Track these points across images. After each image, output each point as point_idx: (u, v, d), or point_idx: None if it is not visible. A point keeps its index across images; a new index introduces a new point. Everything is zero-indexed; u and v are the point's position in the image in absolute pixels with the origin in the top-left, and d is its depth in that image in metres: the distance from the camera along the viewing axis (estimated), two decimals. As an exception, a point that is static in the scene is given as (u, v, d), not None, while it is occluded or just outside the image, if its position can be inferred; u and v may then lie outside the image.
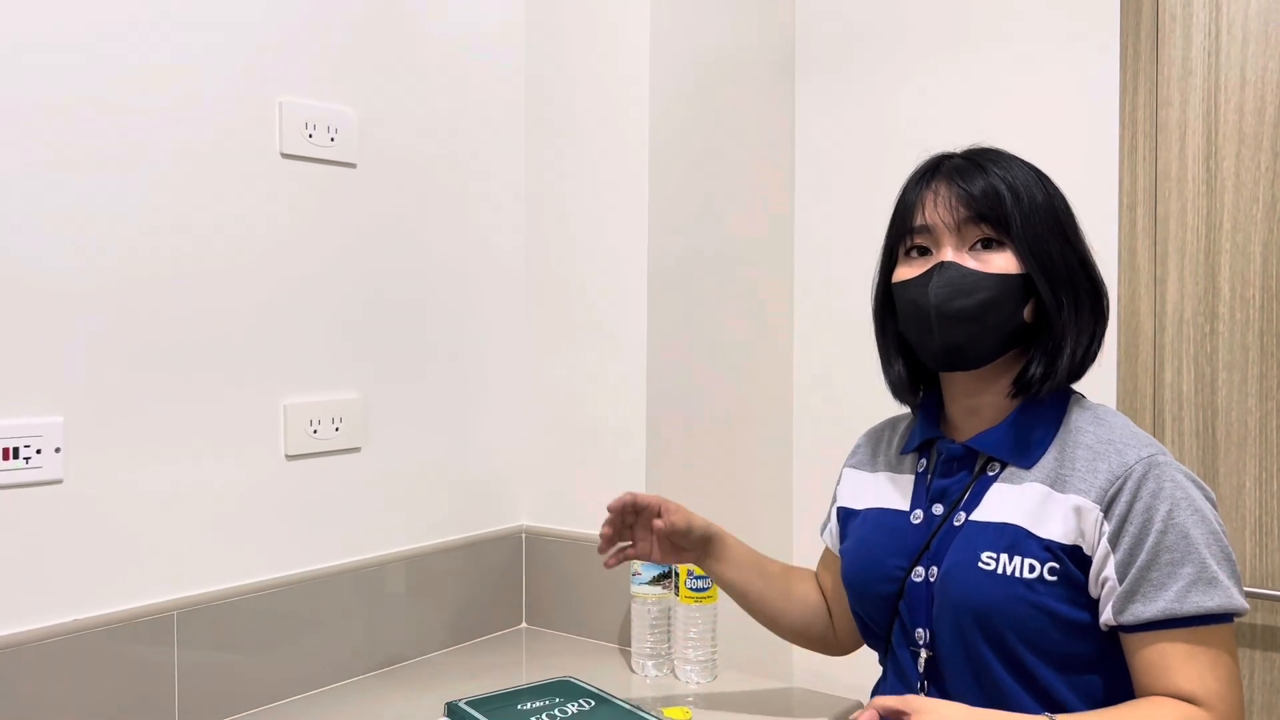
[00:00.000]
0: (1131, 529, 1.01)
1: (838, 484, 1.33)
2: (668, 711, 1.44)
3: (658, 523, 1.31)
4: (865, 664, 1.36)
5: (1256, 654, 1.67)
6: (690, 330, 1.86)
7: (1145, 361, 1.74)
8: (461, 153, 1.79)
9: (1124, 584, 1.01)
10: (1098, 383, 1.73)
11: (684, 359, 1.85)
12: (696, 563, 1.38)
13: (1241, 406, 1.67)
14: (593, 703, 1.44)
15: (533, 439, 1.91)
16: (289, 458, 1.54)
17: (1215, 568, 1.00)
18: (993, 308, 1.07)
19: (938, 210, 1.09)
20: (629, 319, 1.78)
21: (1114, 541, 1.02)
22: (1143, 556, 1.00)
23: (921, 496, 1.17)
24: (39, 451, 1.27)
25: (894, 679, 1.18)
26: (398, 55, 1.68)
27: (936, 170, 1.12)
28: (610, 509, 1.32)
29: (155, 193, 1.38)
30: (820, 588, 1.39)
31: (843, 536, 1.28)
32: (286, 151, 1.52)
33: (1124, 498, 1.02)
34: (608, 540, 1.33)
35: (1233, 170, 1.67)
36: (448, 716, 1.43)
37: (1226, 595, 1.00)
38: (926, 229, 1.10)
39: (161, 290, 1.39)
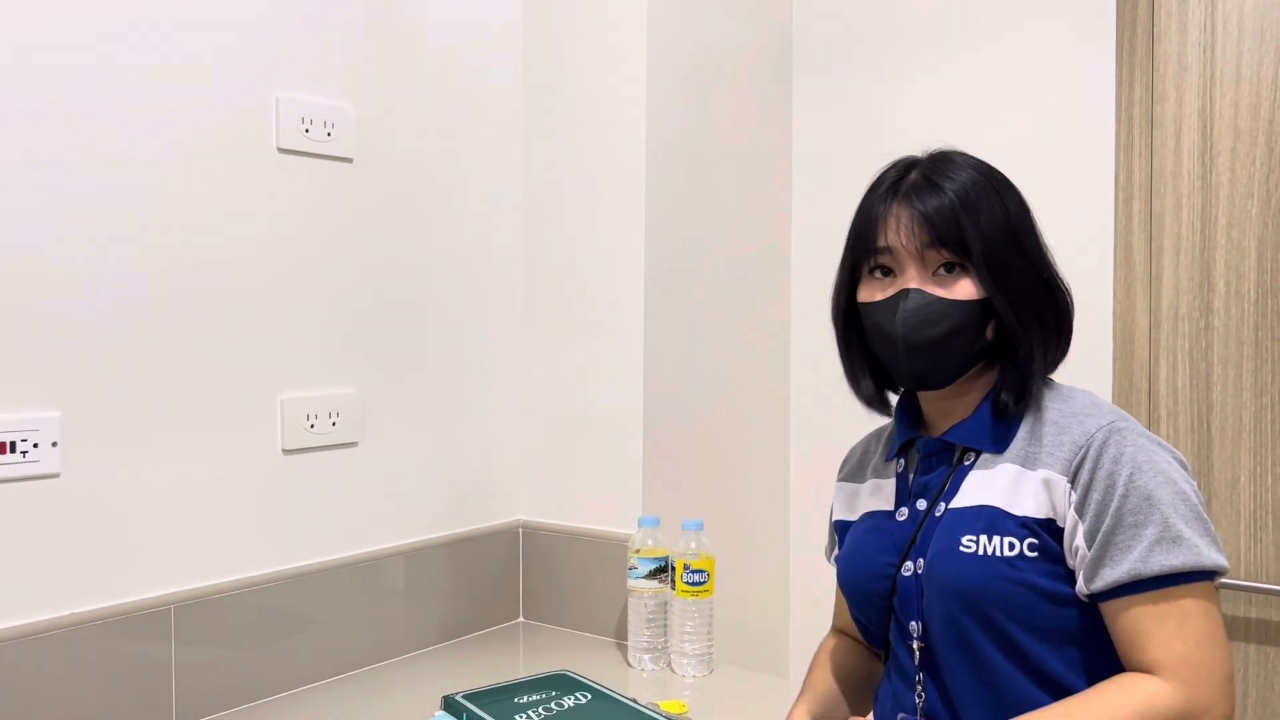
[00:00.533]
0: (1095, 495, 1.03)
1: (833, 501, 1.34)
2: (664, 704, 1.44)
3: None
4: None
5: (1251, 648, 1.68)
6: (687, 327, 1.87)
7: (1140, 356, 1.75)
8: (459, 149, 1.79)
9: (1092, 550, 1.02)
10: (1094, 378, 1.74)
11: (681, 355, 1.85)
12: None
13: (1236, 401, 1.67)
14: (589, 696, 1.44)
15: (530, 434, 1.92)
16: (286, 452, 1.54)
17: (1180, 526, 1.00)
18: (958, 334, 1.09)
19: (900, 235, 1.11)
20: (626, 315, 1.78)
21: (1080, 510, 1.03)
22: (1107, 521, 1.01)
23: (904, 494, 1.18)
24: (36, 445, 1.28)
25: (895, 677, 1.19)
26: (395, 52, 1.68)
27: (897, 189, 1.13)
28: None
29: (153, 188, 1.38)
30: (843, 628, 1.36)
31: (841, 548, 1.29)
32: (283, 146, 1.52)
33: (1087, 465, 1.04)
34: None
35: (1228, 166, 1.68)
36: (445, 709, 1.44)
37: (1193, 552, 0.99)
38: (889, 251, 1.12)
39: (159, 285, 1.39)
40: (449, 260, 1.78)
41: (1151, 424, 1.74)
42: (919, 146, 1.20)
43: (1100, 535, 1.01)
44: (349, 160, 1.61)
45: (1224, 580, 1.34)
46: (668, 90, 1.81)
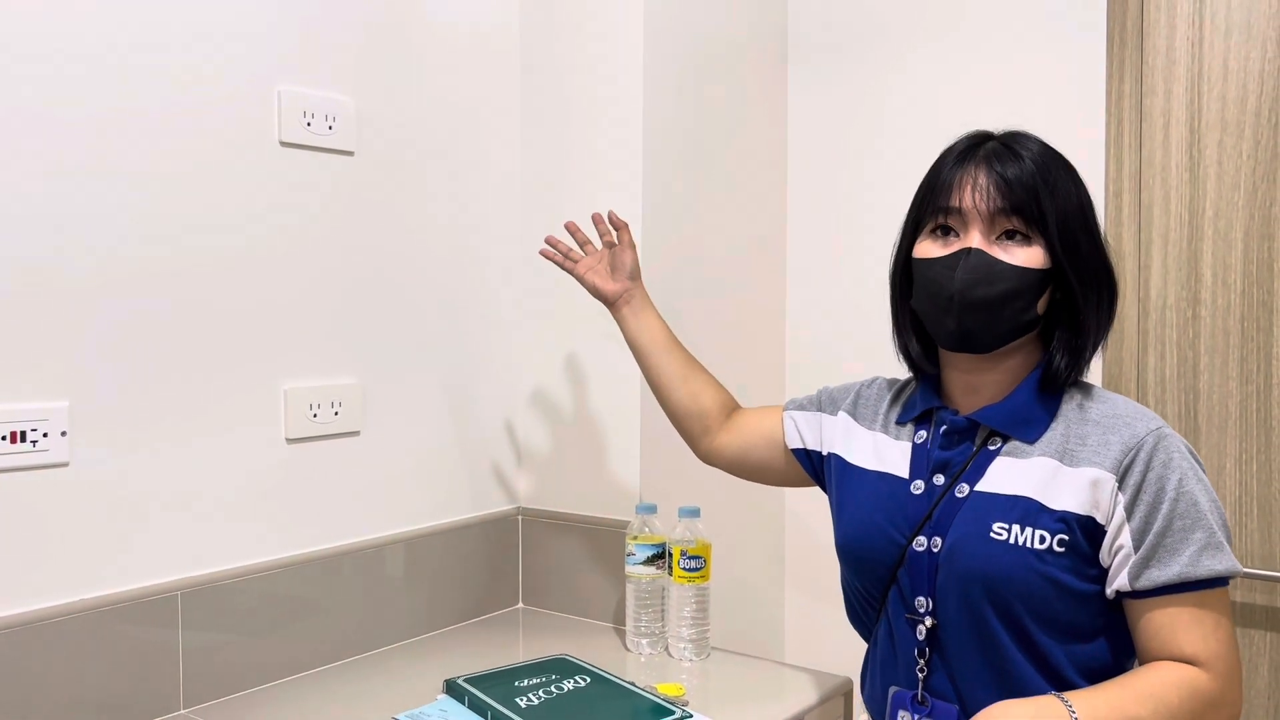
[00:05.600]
0: (1146, 497, 1.06)
1: (827, 410, 1.35)
2: (662, 687, 1.47)
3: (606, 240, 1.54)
4: (855, 641, 1.39)
5: (1236, 630, 1.71)
6: (683, 314, 1.89)
7: (1130, 346, 1.78)
8: (458, 140, 1.81)
9: (1140, 550, 1.06)
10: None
11: (677, 344, 1.87)
12: (619, 303, 1.52)
13: (1223, 390, 1.70)
14: (588, 679, 1.47)
15: (528, 423, 1.94)
16: (289, 441, 1.56)
17: (1220, 534, 1.07)
18: (1012, 299, 1.10)
19: (974, 196, 1.11)
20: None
21: (1129, 510, 1.07)
22: (1158, 524, 1.05)
23: (922, 467, 1.19)
24: (45, 435, 1.30)
25: (886, 646, 1.20)
26: (395, 44, 1.70)
27: (975, 152, 1.14)
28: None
29: (156, 182, 1.40)
30: (736, 415, 1.50)
31: (833, 483, 1.30)
32: (285, 140, 1.54)
33: (1138, 468, 1.07)
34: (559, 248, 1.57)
35: (1215, 158, 1.70)
36: (447, 693, 1.46)
37: (1230, 559, 1.06)
38: (959, 212, 1.12)
39: (164, 277, 1.41)
40: (448, 251, 1.80)
41: (1139, 412, 1.77)
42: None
43: (1150, 537, 1.06)
44: (350, 153, 1.63)
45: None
46: (663, 80, 1.83)
